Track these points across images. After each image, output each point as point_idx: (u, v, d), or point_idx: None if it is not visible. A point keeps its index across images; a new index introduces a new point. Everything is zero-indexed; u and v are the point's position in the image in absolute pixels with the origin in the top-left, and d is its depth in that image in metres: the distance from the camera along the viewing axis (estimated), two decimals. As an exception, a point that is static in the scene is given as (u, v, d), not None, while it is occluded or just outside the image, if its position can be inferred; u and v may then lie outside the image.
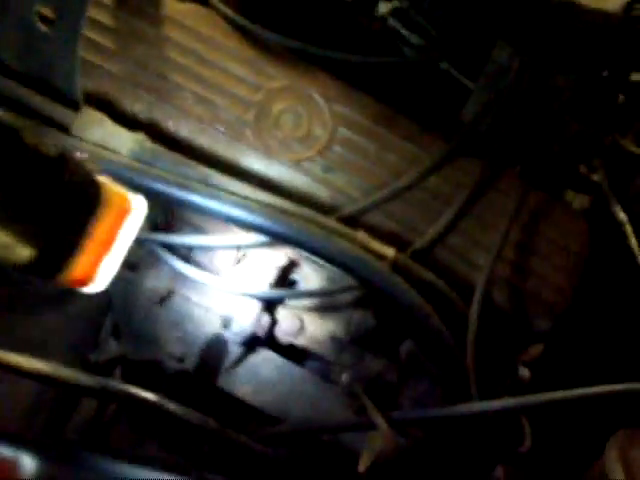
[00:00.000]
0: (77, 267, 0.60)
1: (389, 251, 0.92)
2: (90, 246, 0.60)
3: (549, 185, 1.05)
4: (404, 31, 1.05)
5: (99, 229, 0.61)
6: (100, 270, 0.62)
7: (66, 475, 0.65)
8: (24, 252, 0.56)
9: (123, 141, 0.90)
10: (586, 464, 0.84)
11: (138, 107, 0.95)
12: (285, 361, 1.03)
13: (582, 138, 1.06)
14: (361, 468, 0.87)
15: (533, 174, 1.02)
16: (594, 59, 1.03)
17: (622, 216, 1.03)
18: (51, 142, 0.57)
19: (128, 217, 0.63)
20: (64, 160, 0.58)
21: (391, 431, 0.89)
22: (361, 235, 0.93)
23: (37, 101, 0.91)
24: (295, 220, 0.90)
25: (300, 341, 1.02)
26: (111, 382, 0.77)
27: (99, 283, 0.63)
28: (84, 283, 0.62)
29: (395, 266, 0.92)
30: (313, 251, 0.91)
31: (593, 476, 0.81)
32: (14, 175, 0.53)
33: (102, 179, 0.62)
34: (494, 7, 0.98)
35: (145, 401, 0.77)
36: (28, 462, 0.63)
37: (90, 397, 0.94)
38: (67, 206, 0.58)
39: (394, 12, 1.05)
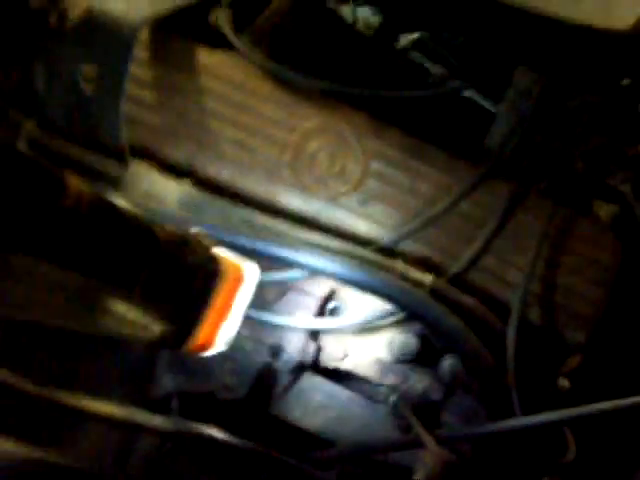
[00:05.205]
0: (200, 335, 0.67)
1: (427, 278, 0.97)
2: (211, 315, 0.67)
3: (576, 199, 1.08)
4: (426, 63, 1.09)
5: (218, 299, 0.68)
6: (219, 335, 0.70)
7: None
8: (158, 330, 0.63)
9: (170, 190, 0.95)
10: (629, 474, 0.87)
11: (180, 156, 1.00)
12: (332, 385, 1.07)
13: (605, 152, 1.09)
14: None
15: (559, 190, 1.05)
16: (612, 77, 1.06)
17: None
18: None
19: (242, 284, 0.71)
20: (186, 243, 0.66)
21: (441, 449, 0.93)
22: (400, 265, 0.97)
23: (87, 157, 0.96)
24: (337, 255, 0.95)
25: (345, 365, 1.06)
26: (187, 424, 0.82)
27: (218, 346, 0.70)
28: (205, 349, 0.69)
29: (433, 292, 0.96)
30: (355, 284, 0.96)
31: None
32: (148, 265, 0.60)
33: (217, 252, 0.70)
34: (513, 34, 1.02)
35: (223, 443, 0.82)
36: None
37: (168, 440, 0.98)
38: (191, 283, 0.65)
39: (415, 44, 1.09)
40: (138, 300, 0.60)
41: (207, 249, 0.70)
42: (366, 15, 1.12)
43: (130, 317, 0.60)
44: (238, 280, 0.71)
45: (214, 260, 0.69)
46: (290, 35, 1.12)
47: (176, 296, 0.64)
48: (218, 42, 1.06)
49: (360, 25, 1.12)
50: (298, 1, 1.13)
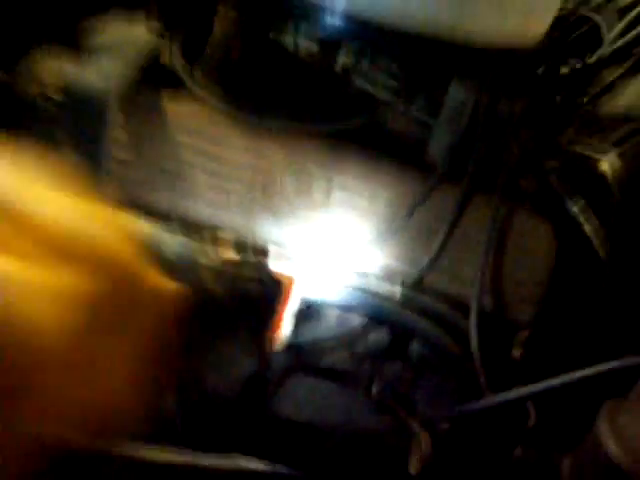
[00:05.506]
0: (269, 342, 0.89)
1: (396, 288, 1.10)
2: (275, 324, 0.87)
3: (513, 192, 1.20)
4: (368, 87, 1.18)
5: (279, 309, 0.87)
6: (275, 337, 0.90)
7: None
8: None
9: (167, 243, 1.04)
10: (577, 439, 1.00)
11: (163, 205, 1.09)
12: (317, 380, 1.20)
13: (534, 143, 1.22)
14: (412, 471, 1.06)
15: (500, 186, 1.17)
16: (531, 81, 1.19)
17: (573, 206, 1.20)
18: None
19: (290, 293, 0.91)
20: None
21: (427, 434, 1.08)
22: (371, 281, 1.10)
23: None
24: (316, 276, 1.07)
25: (326, 362, 1.18)
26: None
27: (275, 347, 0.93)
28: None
29: (402, 300, 1.09)
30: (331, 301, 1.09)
31: (586, 449, 0.96)
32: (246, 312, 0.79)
33: (265, 267, 0.87)
34: (445, 51, 1.13)
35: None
36: None
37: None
38: (260, 305, 0.84)
39: (353, 69, 1.18)
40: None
41: (260, 269, 0.85)
42: (307, 44, 1.19)
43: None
44: (288, 290, 0.89)
45: (269, 279, 0.85)
46: (238, 68, 1.20)
47: (253, 320, 0.83)
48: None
49: (302, 53, 1.19)
50: (243, 33, 1.20)
